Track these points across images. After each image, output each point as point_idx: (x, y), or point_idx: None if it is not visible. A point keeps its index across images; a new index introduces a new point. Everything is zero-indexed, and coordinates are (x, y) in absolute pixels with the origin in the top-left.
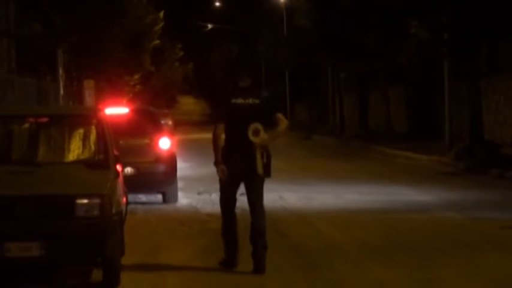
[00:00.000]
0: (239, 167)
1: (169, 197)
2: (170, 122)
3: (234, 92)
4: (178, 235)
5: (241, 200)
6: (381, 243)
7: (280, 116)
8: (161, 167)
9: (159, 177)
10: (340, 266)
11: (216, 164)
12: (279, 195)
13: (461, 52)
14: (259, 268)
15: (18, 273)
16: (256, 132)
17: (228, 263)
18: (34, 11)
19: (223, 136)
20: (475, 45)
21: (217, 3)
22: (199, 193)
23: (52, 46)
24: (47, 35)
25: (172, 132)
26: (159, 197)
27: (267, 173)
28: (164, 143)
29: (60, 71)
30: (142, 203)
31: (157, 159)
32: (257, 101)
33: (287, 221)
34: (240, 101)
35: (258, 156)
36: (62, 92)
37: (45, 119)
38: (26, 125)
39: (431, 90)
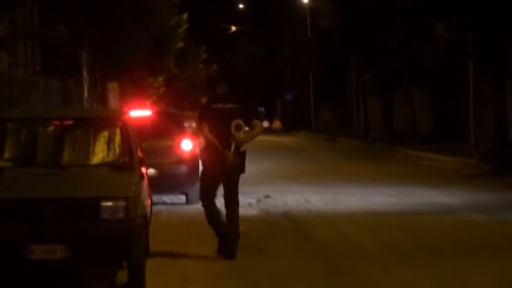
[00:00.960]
0: (219, 164)
1: (192, 198)
2: (193, 124)
3: (214, 98)
4: (202, 237)
5: (266, 203)
6: (407, 246)
7: (256, 122)
8: (184, 168)
9: (181, 178)
10: (366, 269)
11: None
12: (304, 197)
13: (487, 53)
14: (231, 255)
15: (42, 275)
16: (238, 127)
17: (220, 250)
18: (58, 13)
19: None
20: (500, 46)
21: (241, 5)
22: (222, 195)
23: (76, 48)
24: (71, 37)
25: (195, 134)
26: (182, 198)
27: (242, 169)
28: (187, 145)
29: (84, 74)
30: (165, 204)
31: (180, 161)
32: (235, 106)
33: (312, 224)
34: (220, 106)
35: (233, 148)
36: (86, 94)
37: (69, 122)
38: (51, 128)
39: (456, 91)
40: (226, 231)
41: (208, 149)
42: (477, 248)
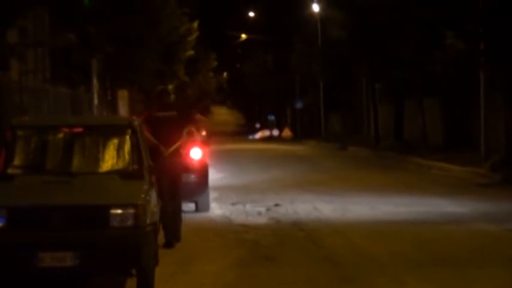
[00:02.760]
0: (162, 167)
1: (201, 206)
2: (204, 133)
3: (158, 107)
4: (212, 246)
5: (276, 211)
6: (417, 255)
7: (188, 129)
8: (193, 177)
9: (191, 187)
10: (376, 278)
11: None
12: (314, 206)
13: (498, 62)
14: (170, 244)
15: (52, 283)
16: (190, 133)
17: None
18: (69, 21)
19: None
20: (511, 55)
21: (252, 14)
22: (233, 204)
23: (86, 56)
24: (81, 45)
25: (205, 143)
26: (192, 206)
27: (183, 169)
28: (196, 153)
29: (94, 81)
30: None
31: (189, 169)
32: (174, 114)
33: (322, 232)
34: (161, 114)
35: (173, 147)
36: (96, 101)
37: (79, 129)
38: (61, 135)
39: (467, 100)
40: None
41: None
42: (487, 257)
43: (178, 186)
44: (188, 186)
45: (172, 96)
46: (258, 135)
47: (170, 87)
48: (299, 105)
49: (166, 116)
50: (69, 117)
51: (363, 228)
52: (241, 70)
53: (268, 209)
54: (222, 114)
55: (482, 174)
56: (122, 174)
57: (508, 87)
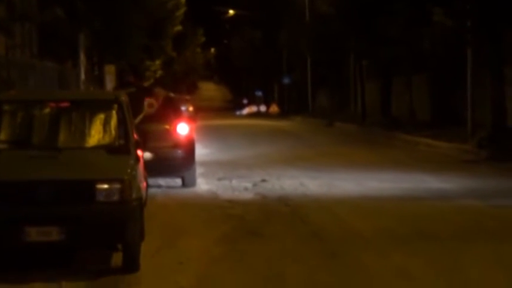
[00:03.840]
0: None
1: (188, 181)
2: (191, 108)
3: (119, 85)
4: (198, 221)
5: (263, 187)
6: (403, 231)
7: (149, 100)
8: (179, 152)
9: (177, 162)
10: (362, 253)
11: None
12: (300, 181)
13: (485, 39)
14: None
15: (38, 257)
16: (151, 105)
17: None
18: None
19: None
20: (498, 33)
21: None
22: (219, 179)
23: (74, 31)
24: (69, 20)
25: (192, 118)
26: (178, 181)
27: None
28: (183, 129)
29: (82, 56)
30: (160, 187)
31: (176, 145)
32: (133, 89)
33: (308, 208)
34: (127, 90)
35: (139, 118)
36: (83, 77)
37: (66, 104)
38: (47, 110)
39: (454, 77)
40: None
41: None
42: (473, 233)
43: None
44: (175, 161)
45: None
46: (245, 111)
47: (158, 62)
48: (286, 81)
49: (127, 92)
50: (56, 92)
51: (349, 203)
52: (228, 46)
53: (254, 185)
54: (209, 89)
55: (469, 150)
56: (108, 149)
57: (494, 64)
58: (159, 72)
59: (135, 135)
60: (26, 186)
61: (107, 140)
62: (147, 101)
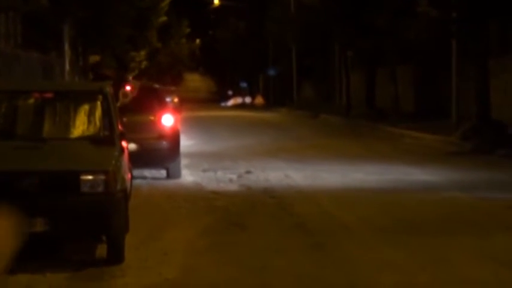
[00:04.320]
0: None
1: (172, 173)
2: (176, 99)
3: (94, 77)
4: (183, 212)
5: (247, 178)
6: (388, 223)
7: (123, 91)
8: (164, 144)
9: (162, 153)
10: (346, 245)
11: None
12: (285, 173)
13: (470, 31)
14: None
15: (22, 248)
16: (125, 95)
17: None
18: None
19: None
20: (484, 25)
21: None
22: (204, 170)
23: (58, 21)
24: (53, 10)
25: (177, 110)
26: (163, 173)
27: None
28: (168, 120)
29: (66, 47)
30: (145, 178)
31: (161, 136)
32: (111, 82)
33: (293, 199)
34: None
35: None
36: (67, 67)
37: (50, 95)
38: (31, 101)
39: (439, 69)
40: None
41: None
42: (457, 225)
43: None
44: (159, 152)
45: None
46: (230, 102)
47: (142, 53)
48: (272, 72)
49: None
50: (41, 83)
51: (334, 195)
52: (214, 37)
53: (239, 176)
54: (195, 81)
55: (453, 142)
56: (92, 140)
57: (479, 56)
58: (144, 63)
59: (120, 127)
60: (10, 177)
61: (91, 131)
62: (122, 91)
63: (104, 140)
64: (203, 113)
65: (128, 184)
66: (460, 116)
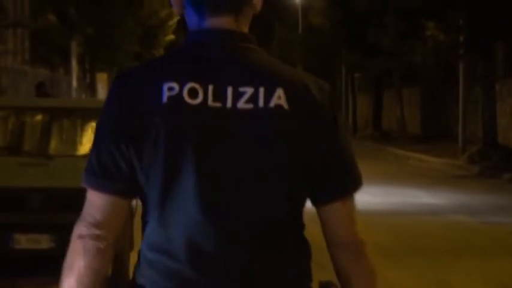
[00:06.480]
0: None
1: None
2: None
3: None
4: None
5: None
6: (392, 245)
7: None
8: None
9: None
10: None
11: None
12: None
13: (477, 55)
14: None
15: (27, 265)
16: None
17: None
18: (49, 2)
19: None
20: (491, 48)
21: None
22: None
23: (66, 38)
24: (61, 27)
25: None
26: None
27: None
28: None
29: (74, 64)
30: None
31: None
32: None
33: None
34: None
35: None
36: (74, 84)
37: (57, 111)
38: (39, 117)
39: (446, 92)
40: None
41: None
42: (462, 249)
43: None
44: None
45: None
46: None
47: None
48: None
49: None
50: (48, 99)
51: None
52: None
53: None
54: None
55: (460, 166)
56: None
57: (486, 79)
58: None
59: None
60: (15, 194)
61: None
62: None
63: None
64: None
65: (133, 202)
66: (467, 139)
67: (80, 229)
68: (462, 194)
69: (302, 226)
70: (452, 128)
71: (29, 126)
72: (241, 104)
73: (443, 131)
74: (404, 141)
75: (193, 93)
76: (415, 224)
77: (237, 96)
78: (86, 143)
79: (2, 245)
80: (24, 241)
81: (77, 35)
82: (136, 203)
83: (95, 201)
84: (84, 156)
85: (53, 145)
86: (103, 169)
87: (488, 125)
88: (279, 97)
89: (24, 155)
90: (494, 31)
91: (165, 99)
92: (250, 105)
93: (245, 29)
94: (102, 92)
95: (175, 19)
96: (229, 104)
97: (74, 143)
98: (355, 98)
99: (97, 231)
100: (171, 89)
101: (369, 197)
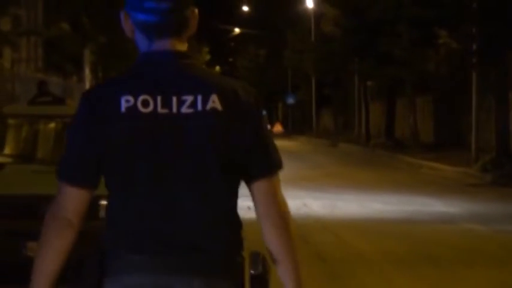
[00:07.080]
0: None
1: None
2: None
3: (37, 93)
4: None
5: None
6: (405, 254)
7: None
8: None
9: None
10: (363, 276)
11: None
12: (303, 202)
13: (490, 63)
14: None
15: None
16: None
17: None
18: (62, 10)
19: None
20: (504, 57)
21: (245, 8)
22: None
23: (79, 46)
24: (74, 35)
25: None
26: None
27: None
28: None
29: (87, 71)
30: None
31: None
32: (49, 98)
33: (310, 228)
34: (40, 99)
35: None
36: None
37: (70, 120)
38: (52, 125)
39: (459, 100)
40: None
41: None
42: (475, 257)
43: None
44: None
45: None
46: None
47: None
48: (291, 100)
49: (44, 100)
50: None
51: (352, 225)
52: (233, 64)
53: None
54: None
55: (472, 174)
56: None
57: (499, 88)
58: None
59: None
60: (28, 201)
61: None
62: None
63: None
64: None
65: None
66: (480, 148)
67: (52, 213)
68: (475, 202)
69: (236, 202)
70: (465, 137)
71: (42, 134)
72: (184, 109)
73: (456, 139)
74: (417, 149)
75: (145, 103)
76: (428, 233)
77: (180, 103)
78: None
79: (16, 252)
80: (36, 249)
81: (90, 43)
82: None
83: (66, 192)
84: None
85: None
86: (73, 165)
87: (502, 133)
88: (214, 101)
89: (38, 163)
90: (507, 39)
91: (123, 109)
92: (191, 110)
93: (184, 48)
94: None
95: None
96: (174, 109)
97: None
98: (368, 107)
99: (67, 216)
100: (127, 101)
101: (382, 205)
